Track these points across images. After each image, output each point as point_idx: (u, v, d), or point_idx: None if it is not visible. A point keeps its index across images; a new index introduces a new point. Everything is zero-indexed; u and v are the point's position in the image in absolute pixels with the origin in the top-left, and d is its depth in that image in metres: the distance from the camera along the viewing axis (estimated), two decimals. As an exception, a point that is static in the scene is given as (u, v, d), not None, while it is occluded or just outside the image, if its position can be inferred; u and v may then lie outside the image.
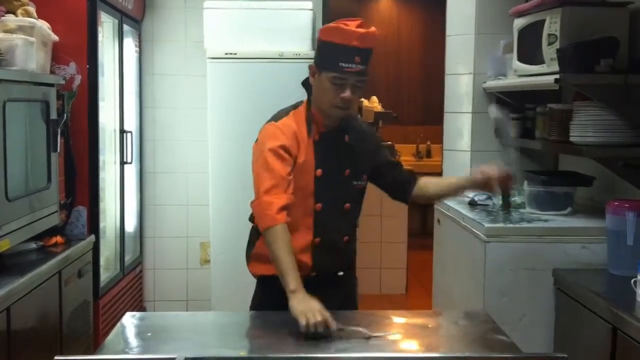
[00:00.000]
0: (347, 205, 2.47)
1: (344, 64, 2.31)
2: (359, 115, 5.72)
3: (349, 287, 2.64)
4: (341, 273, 2.53)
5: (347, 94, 2.33)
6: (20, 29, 3.15)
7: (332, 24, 2.37)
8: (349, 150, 2.48)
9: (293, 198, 2.29)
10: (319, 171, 2.41)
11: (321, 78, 2.37)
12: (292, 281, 2.17)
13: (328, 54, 2.35)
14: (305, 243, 2.41)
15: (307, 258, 2.41)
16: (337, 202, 2.45)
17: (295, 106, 2.50)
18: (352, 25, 2.34)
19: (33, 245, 3.27)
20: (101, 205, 3.96)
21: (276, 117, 2.46)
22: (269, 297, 2.42)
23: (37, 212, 3.13)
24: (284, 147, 2.33)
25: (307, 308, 2.09)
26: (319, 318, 2.06)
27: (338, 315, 2.21)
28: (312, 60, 2.47)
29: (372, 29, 2.36)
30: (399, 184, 2.61)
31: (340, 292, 2.53)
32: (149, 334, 2.18)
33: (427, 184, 2.62)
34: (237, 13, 4.28)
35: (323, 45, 2.37)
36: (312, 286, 2.26)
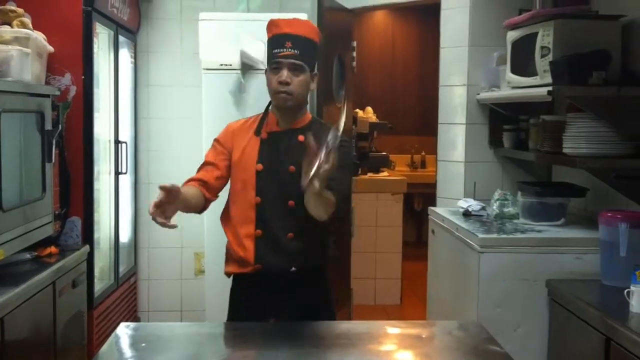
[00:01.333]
0: (291, 202, 2.50)
1: (276, 50, 2.51)
2: (354, 126, 5.73)
3: (310, 291, 2.59)
4: (293, 269, 2.52)
5: (282, 77, 2.49)
6: (16, 40, 3.16)
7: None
8: (299, 149, 2.47)
9: (209, 177, 2.57)
10: (259, 166, 2.55)
11: (267, 75, 2.57)
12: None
13: (269, 50, 2.57)
14: (248, 233, 2.54)
15: (250, 248, 2.53)
16: (280, 198, 2.52)
17: (265, 109, 2.68)
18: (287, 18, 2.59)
19: (27, 255, 3.26)
20: (96, 215, 3.95)
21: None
22: (235, 292, 2.67)
23: (31, 223, 3.13)
24: (218, 141, 2.65)
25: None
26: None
27: (331, 326, 2.21)
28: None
29: (306, 20, 2.59)
30: None
31: (297, 294, 2.54)
32: (144, 345, 2.18)
33: None
34: (232, 25, 4.29)
35: (267, 44, 2.59)
36: (262, 285, 2.51)
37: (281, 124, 2.59)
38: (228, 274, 2.67)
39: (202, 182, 2.58)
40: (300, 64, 2.49)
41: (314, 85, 2.60)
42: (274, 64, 2.52)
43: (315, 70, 2.59)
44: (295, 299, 2.55)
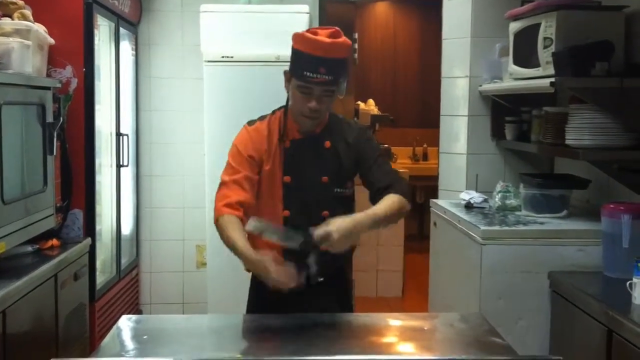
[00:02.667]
0: (325, 212, 2.39)
1: (308, 74, 2.32)
2: (355, 118, 5.73)
3: (334, 294, 2.55)
4: (321, 279, 2.40)
5: (312, 104, 2.35)
6: (17, 32, 3.15)
7: (302, 32, 2.38)
8: (329, 157, 2.45)
9: (251, 199, 2.38)
10: (287, 178, 2.42)
11: (291, 85, 2.40)
12: (242, 246, 2.27)
13: (296, 62, 2.37)
14: (275, 245, 2.36)
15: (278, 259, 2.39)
16: (311, 209, 2.41)
17: (274, 111, 2.52)
18: (322, 34, 2.35)
19: (29, 248, 3.27)
20: (97, 208, 3.96)
21: (251, 122, 2.52)
22: (259, 292, 2.51)
23: (33, 215, 3.13)
24: (249, 155, 2.43)
25: (256, 267, 2.22)
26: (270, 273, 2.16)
27: (333, 318, 2.21)
28: None
29: (341, 39, 2.36)
30: (374, 196, 2.46)
31: (323, 298, 2.48)
32: (145, 337, 2.18)
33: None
34: (233, 16, 4.28)
35: (293, 52, 2.39)
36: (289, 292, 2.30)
37: (302, 131, 2.45)
38: (249, 270, 2.54)
39: (242, 204, 2.39)
40: (333, 90, 2.36)
41: (341, 95, 2.46)
42: (304, 87, 2.34)
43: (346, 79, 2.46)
44: (317, 299, 2.45)
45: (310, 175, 2.42)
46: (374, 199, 2.40)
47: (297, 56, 2.36)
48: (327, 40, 2.33)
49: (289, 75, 2.41)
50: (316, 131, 2.46)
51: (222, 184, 2.42)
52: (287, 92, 2.45)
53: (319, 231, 2.15)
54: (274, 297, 2.32)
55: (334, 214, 2.32)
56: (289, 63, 2.43)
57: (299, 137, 2.45)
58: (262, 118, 2.53)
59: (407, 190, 2.41)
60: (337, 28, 2.40)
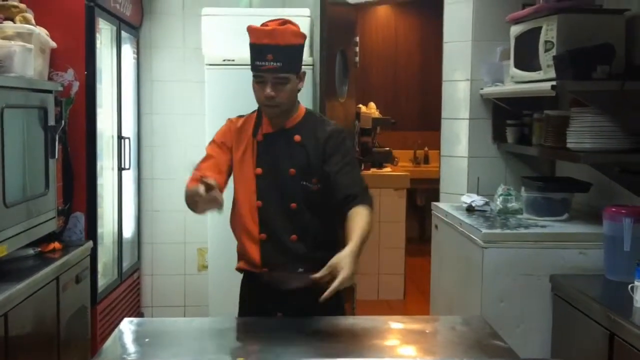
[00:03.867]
0: (293, 204, 2.47)
1: (258, 62, 2.40)
2: (357, 121, 5.73)
3: (319, 290, 2.56)
4: (301, 270, 2.45)
5: (267, 91, 2.41)
6: (19, 35, 3.16)
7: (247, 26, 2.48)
8: (297, 150, 2.50)
9: (218, 179, 2.42)
10: (259, 170, 2.51)
11: (252, 82, 2.48)
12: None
13: (250, 55, 2.45)
14: (253, 236, 2.51)
15: (256, 253, 2.51)
16: (281, 200, 2.49)
17: (258, 109, 2.60)
18: (271, 24, 2.44)
19: (31, 251, 3.27)
20: (99, 211, 3.96)
21: (238, 116, 2.64)
22: (244, 288, 2.64)
23: (34, 218, 3.13)
24: (221, 141, 2.57)
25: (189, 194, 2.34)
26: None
27: (334, 321, 2.21)
28: (309, 67, 2.52)
29: (286, 25, 2.44)
30: (340, 207, 2.45)
31: (305, 292, 2.43)
32: (147, 340, 2.19)
33: (345, 222, 2.42)
34: (234, 20, 4.28)
35: (249, 46, 2.46)
36: (270, 285, 2.48)
37: (274, 125, 2.53)
38: (239, 270, 2.65)
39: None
40: (284, 77, 2.41)
41: (302, 84, 2.53)
42: (257, 76, 2.43)
43: (302, 69, 2.49)
44: (303, 297, 2.43)
45: (280, 167, 2.50)
46: (340, 205, 2.42)
47: (250, 49, 2.45)
48: (270, 27, 2.42)
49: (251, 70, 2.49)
50: (287, 125, 2.53)
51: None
52: None
53: (324, 277, 2.16)
54: (260, 298, 2.50)
55: (301, 207, 2.45)
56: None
57: (272, 130, 2.53)
58: (241, 115, 2.64)
59: (372, 202, 2.44)
60: (286, 19, 2.50)
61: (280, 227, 2.49)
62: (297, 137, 2.50)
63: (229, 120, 2.63)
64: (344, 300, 2.67)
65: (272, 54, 2.38)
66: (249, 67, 2.44)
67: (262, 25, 2.46)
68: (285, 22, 2.48)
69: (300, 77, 2.50)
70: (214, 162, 2.53)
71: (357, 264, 2.21)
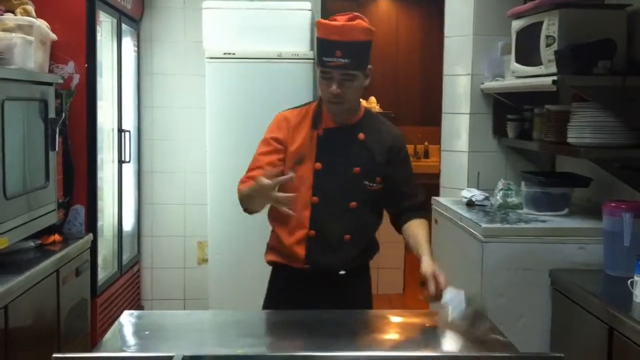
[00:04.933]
0: (353, 203, 2.45)
1: (326, 59, 2.36)
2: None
3: (355, 289, 2.56)
4: (342, 272, 2.48)
5: (333, 88, 2.37)
6: (19, 28, 3.15)
7: (322, 19, 2.46)
8: (362, 149, 2.47)
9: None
10: (318, 164, 2.44)
11: (318, 73, 2.45)
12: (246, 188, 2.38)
13: (318, 49, 2.44)
14: (301, 234, 2.45)
15: (300, 249, 2.45)
16: (339, 198, 2.44)
17: (308, 103, 2.59)
18: (339, 19, 2.40)
19: (31, 243, 3.27)
20: (99, 204, 3.96)
21: (291, 108, 2.58)
22: (278, 283, 2.57)
23: (35, 211, 3.13)
24: (274, 138, 2.49)
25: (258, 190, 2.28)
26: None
27: (334, 314, 2.21)
28: (310, 60, 2.53)
29: (355, 21, 2.38)
30: (398, 215, 2.60)
31: (341, 292, 2.50)
32: (147, 333, 2.19)
33: (407, 231, 2.57)
34: (235, 13, 4.28)
35: (317, 40, 2.45)
36: (308, 281, 2.43)
37: (336, 120, 2.48)
38: (270, 263, 2.59)
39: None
40: (352, 74, 2.37)
41: (368, 81, 2.46)
42: (324, 72, 2.39)
43: (370, 65, 2.45)
44: (339, 295, 2.49)
45: (342, 164, 2.45)
46: (402, 213, 2.55)
47: (318, 43, 2.42)
48: (340, 23, 2.37)
49: (317, 65, 2.46)
50: (351, 122, 2.49)
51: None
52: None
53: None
54: (294, 293, 2.46)
55: (361, 206, 2.45)
56: (311, 58, 2.61)
57: (333, 126, 2.48)
58: (293, 108, 2.58)
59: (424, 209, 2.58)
60: (356, 14, 2.44)
61: (334, 225, 2.46)
62: (362, 135, 2.47)
63: (279, 114, 2.55)
64: (372, 297, 2.70)
65: (340, 51, 2.33)
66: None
67: (331, 19, 2.42)
68: (354, 17, 2.42)
69: (367, 73, 2.45)
70: (269, 160, 2.45)
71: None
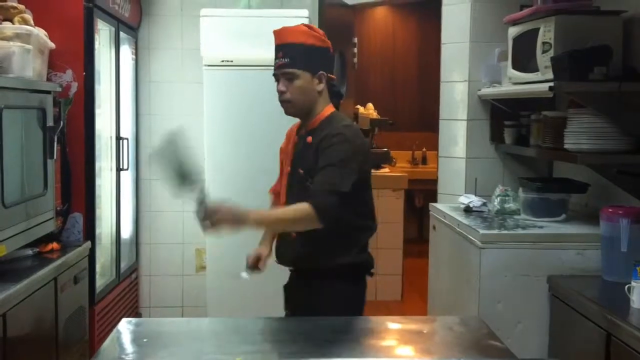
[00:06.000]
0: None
1: (275, 61, 2.59)
2: (355, 122, 5.74)
3: (307, 294, 2.58)
4: (291, 268, 2.65)
5: (278, 87, 2.57)
6: (17, 36, 3.16)
7: None
8: (307, 151, 2.57)
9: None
10: (287, 168, 2.64)
11: None
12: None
13: None
14: (278, 234, 2.69)
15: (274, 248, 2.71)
16: (291, 199, 2.56)
17: None
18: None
19: (29, 251, 3.27)
20: (97, 211, 3.96)
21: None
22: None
23: (33, 219, 3.13)
24: (281, 148, 2.78)
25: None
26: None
27: (332, 321, 2.21)
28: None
29: (297, 25, 2.60)
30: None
31: (300, 293, 2.62)
32: (145, 340, 2.19)
33: None
34: (233, 21, 4.29)
35: None
36: (288, 278, 2.68)
37: (302, 126, 2.66)
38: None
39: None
40: (290, 72, 2.53)
41: (321, 86, 2.58)
42: (274, 75, 2.60)
43: (321, 71, 2.57)
44: (298, 298, 2.62)
45: (295, 167, 2.61)
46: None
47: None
48: (280, 28, 2.60)
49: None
50: (308, 127, 2.62)
51: None
52: None
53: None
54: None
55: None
56: None
57: (301, 132, 2.65)
58: None
59: (324, 206, 2.37)
60: (312, 25, 2.71)
61: None
62: (309, 139, 2.57)
63: (290, 128, 2.78)
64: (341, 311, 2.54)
65: (282, 52, 2.55)
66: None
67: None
68: (304, 25, 2.64)
69: (319, 77, 2.57)
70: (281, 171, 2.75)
71: (237, 219, 2.33)
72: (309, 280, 2.58)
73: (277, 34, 2.61)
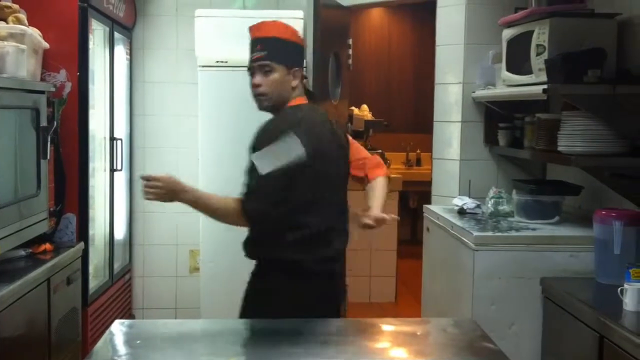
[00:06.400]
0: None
1: (250, 56, 2.57)
2: (349, 124, 5.73)
3: (250, 284, 2.58)
4: (244, 254, 2.57)
5: (253, 80, 2.55)
6: (11, 36, 3.15)
7: None
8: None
9: None
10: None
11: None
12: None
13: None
14: None
15: None
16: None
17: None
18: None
19: (22, 252, 3.26)
20: (90, 212, 3.95)
21: None
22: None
23: (26, 219, 3.12)
24: None
25: None
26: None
27: (326, 323, 2.21)
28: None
29: (275, 21, 2.63)
30: None
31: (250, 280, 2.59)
32: (138, 342, 2.18)
33: None
34: (228, 21, 4.28)
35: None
36: None
37: None
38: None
39: None
40: (268, 64, 2.52)
41: (295, 82, 2.56)
42: (249, 69, 2.58)
43: (296, 67, 2.56)
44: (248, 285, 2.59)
45: None
46: None
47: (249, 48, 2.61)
48: (261, 22, 2.62)
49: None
50: None
51: None
52: None
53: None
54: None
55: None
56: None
57: None
58: None
59: (249, 209, 2.41)
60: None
61: None
62: None
63: None
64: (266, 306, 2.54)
65: (260, 45, 2.55)
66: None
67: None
68: (279, 21, 2.66)
69: (293, 73, 2.56)
70: None
71: (174, 193, 2.45)
72: (252, 274, 2.59)
73: (256, 28, 2.60)
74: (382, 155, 6.67)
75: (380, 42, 8.39)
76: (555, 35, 3.09)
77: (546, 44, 3.11)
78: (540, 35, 3.16)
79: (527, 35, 3.26)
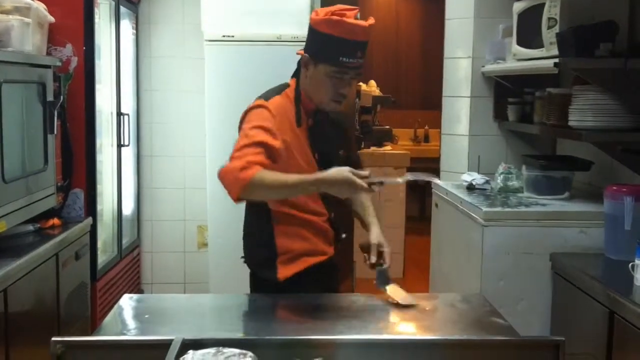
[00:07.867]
0: None
1: (345, 59, 2.24)
2: (357, 99, 5.70)
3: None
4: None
5: (345, 89, 2.31)
6: (17, 10, 3.13)
7: (330, 17, 2.25)
8: (339, 131, 2.52)
9: (267, 163, 2.19)
10: (317, 154, 2.39)
11: (317, 70, 2.30)
12: (309, 177, 2.16)
13: (327, 47, 2.26)
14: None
15: None
16: None
17: (283, 88, 2.42)
18: (350, 16, 2.27)
19: (30, 227, 3.26)
20: (98, 187, 3.95)
21: (266, 96, 2.39)
22: None
23: (34, 194, 3.12)
24: (269, 127, 2.27)
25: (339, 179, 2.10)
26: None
27: (334, 298, 2.20)
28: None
29: (371, 20, 2.30)
30: None
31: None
32: (147, 316, 2.19)
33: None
34: (235, -5, 4.25)
35: (321, 37, 2.27)
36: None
37: (313, 108, 2.40)
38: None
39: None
40: (361, 74, 2.36)
41: None
42: (338, 72, 2.27)
43: None
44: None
45: (331, 150, 2.45)
46: None
47: (331, 41, 2.25)
48: (365, 23, 2.27)
49: (314, 61, 2.30)
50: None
51: (233, 157, 2.27)
52: (304, 77, 2.36)
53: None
54: None
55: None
56: (305, 47, 2.35)
57: (313, 114, 2.40)
58: (273, 92, 2.41)
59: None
60: (356, 8, 2.32)
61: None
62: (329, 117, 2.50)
63: (266, 104, 2.35)
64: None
65: (361, 51, 2.26)
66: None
67: (340, 15, 2.25)
68: (353, 8, 2.29)
69: None
70: (269, 149, 2.24)
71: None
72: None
73: (363, 31, 2.25)
74: (389, 132, 6.65)
75: (389, 17, 8.33)
76: (566, 9, 3.05)
77: (557, 17, 3.06)
78: (552, 8, 3.11)
79: (539, 8, 3.22)
